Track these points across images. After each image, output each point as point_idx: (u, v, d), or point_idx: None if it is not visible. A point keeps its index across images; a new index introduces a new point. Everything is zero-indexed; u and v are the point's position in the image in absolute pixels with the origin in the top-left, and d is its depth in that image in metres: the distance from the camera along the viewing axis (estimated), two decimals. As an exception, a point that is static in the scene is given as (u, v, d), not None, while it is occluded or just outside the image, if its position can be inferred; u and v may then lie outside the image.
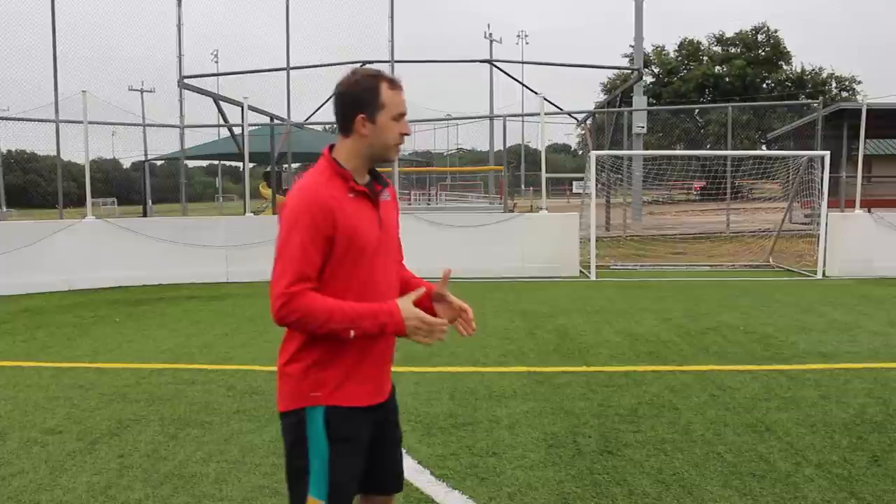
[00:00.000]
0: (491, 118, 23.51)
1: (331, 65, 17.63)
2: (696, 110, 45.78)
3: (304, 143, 20.95)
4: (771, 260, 13.42)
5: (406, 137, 2.09)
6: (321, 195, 1.93)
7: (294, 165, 23.32)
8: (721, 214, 19.94)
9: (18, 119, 13.35)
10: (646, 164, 19.67)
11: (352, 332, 1.92)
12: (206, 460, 3.84)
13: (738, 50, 49.40)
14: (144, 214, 21.14)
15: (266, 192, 20.34)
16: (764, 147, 39.62)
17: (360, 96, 1.98)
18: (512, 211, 17.38)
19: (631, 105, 23.71)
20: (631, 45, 36.19)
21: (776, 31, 49.66)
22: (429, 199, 31.48)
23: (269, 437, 4.16)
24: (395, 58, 14.82)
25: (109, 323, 8.02)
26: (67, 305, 9.31)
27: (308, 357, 2.00)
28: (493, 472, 3.64)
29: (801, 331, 7.06)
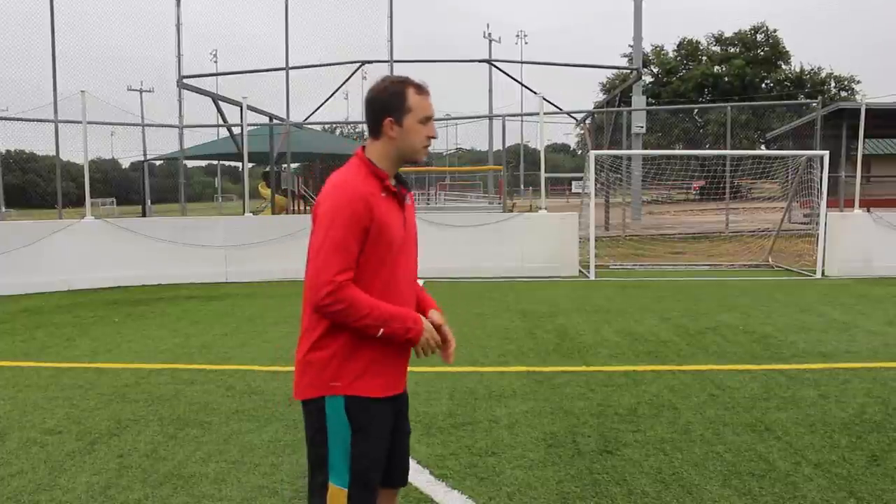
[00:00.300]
0: (490, 118, 23.52)
1: (330, 65, 17.64)
2: (696, 110, 45.81)
3: (303, 143, 20.95)
4: (770, 259, 13.42)
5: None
6: (360, 190, 2.05)
7: (293, 165, 23.33)
8: (720, 214, 19.95)
9: (17, 119, 13.35)
10: (645, 164, 19.69)
11: (381, 331, 2.04)
12: (205, 460, 3.84)
13: (737, 49, 49.39)
14: (143, 214, 21.13)
15: (265, 191, 20.36)
16: (763, 147, 39.66)
17: (388, 101, 2.10)
18: (511, 211, 17.38)
19: (630, 105, 23.72)
20: (630, 45, 36.19)
21: (775, 31, 49.68)
22: (428, 199, 31.48)
23: (269, 437, 4.16)
24: (394, 58, 14.83)
25: (108, 323, 8.02)
26: (66, 305, 9.30)
27: (331, 347, 2.08)
28: (492, 472, 3.64)
29: (800, 330, 7.07)
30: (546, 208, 12.21)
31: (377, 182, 2.10)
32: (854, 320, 7.58)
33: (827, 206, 12.02)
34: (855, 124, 12.56)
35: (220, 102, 16.02)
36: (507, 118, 18.07)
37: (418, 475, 3.58)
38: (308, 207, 22.80)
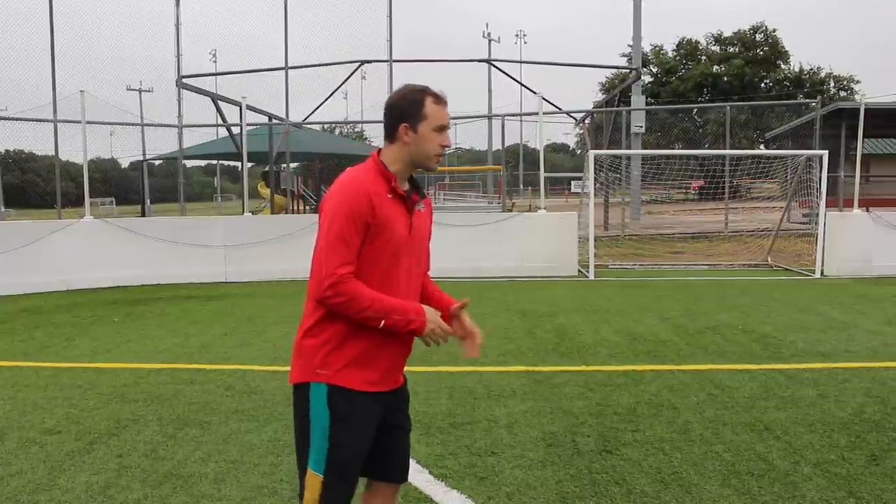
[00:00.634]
0: (489, 118, 23.49)
1: (329, 64, 17.64)
2: (695, 110, 45.79)
3: (302, 143, 20.92)
4: (769, 259, 13.43)
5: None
6: (364, 187, 2.11)
7: (293, 165, 23.32)
8: (719, 214, 19.94)
9: (17, 119, 13.33)
10: (644, 164, 19.68)
11: (382, 323, 2.09)
12: (204, 460, 3.84)
13: (737, 49, 49.37)
14: (143, 214, 21.11)
15: (264, 191, 20.33)
16: (762, 146, 39.63)
17: (406, 107, 2.18)
18: (510, 210, 17.38)
19: (629, 104, 23.72)
20: (629, 45, 36.19)
21: (774, 31, 49.64)
22: (427, 199, 31.35)
23: (268, 436, 4.16)
24: (394, 57, 14.83)
25: (108, 323, 8.01)
26: (66, 305, 9.30)
27: (321, 335, 2.14)
28: (491, 472, 3.64)
29: (799, 330, 7.07)
30: (545, 208, 12.21)
31: (385, 183, 2.16)
32: (853, 320, 7.58)
33: (826, 206, 12.02)
34: (854, 124, 12.56)
35: (220, 102, 16.02)
36: (506, 118, 18.05)
37: (418, 475, 3.58)
38: (307, 207, 22.81)
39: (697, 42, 50.84)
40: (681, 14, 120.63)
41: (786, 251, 14.37)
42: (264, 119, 17.40)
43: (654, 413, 4.52)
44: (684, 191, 31.81)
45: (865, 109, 12.24)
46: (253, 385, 5.27)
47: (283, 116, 16.37)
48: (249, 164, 16.78)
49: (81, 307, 9.11)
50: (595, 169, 12.98)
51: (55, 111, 12.82)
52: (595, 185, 13.37)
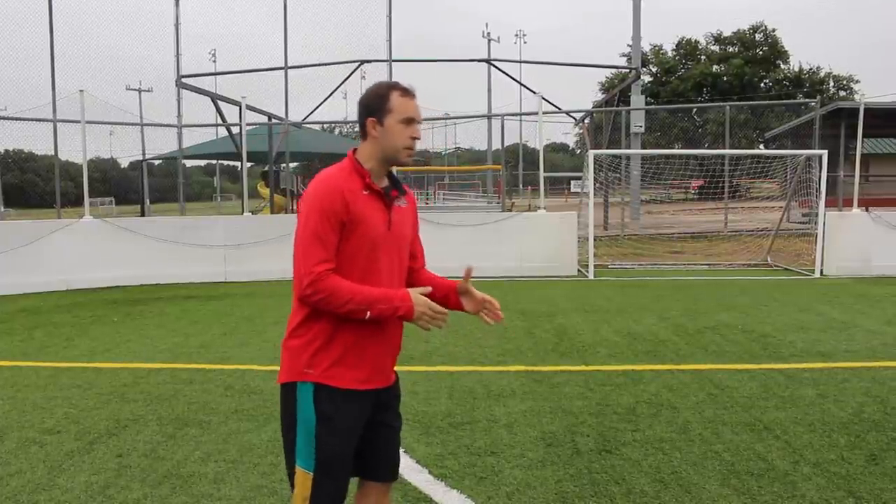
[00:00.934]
0: (489, 117, 23.49)
1: (328, 64, 17.64)
2: (694, 109, 45.79)
3: (302, 143, 20.91)
4: (769, 259, 13.43)
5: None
6: (337, 185, 2.13)
7: (292, 165, 23.31)
8: (719, 213, 19.94)
9: (16, 119, 13.33)
10: (644, 164, 19.67)
11: (368, 314, 2.09)
12: (204, 460, 3.84)
13: (736, 49, 49.38)
14: (142, 214, 21.09)
15: (264, 191, 20.31)
16: (762, 146, 39.64)
17: (372, 103, 2.20)
18: (510, 210, 17.37)
19: (629, 104, 23.71)
20: (629, 45, 36.21)
21: (774, 31, 49.65)
22: (427, 199, 31.47)
23: (268, 436, 4.16)
24: (393, 57, 14.83)
25: (107, 323, 8.01)
26: (65, 305, 9.29)
27: (306, 334, 2.16)
28: (491, 472, 3.64)
29: (798, 330, 7.07)
30: (545, 208, 12.22)
31: (359, 179, 2.18)
32: (853, 320, 7.58)
33: (825, 206, 12.03)
34: (853, 124, 12.57)
35: (219, 102, 16.01)
36: (505, 118, 18.05)
37: (417, 474, 3.58)
38: (307, 207, 22.74)
39: (697, 42, 50.86)
40: (680, 14, 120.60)
41: (785, 251, 14.38)
42: (264, 119, 17.40)
43: (653, 413, 4.53)
44: (684, 190, 31.82)
45: (865, 109, 12.24)
46: (252, 385, 5.27)
47: (283, 116, 16.38)
48: (249, 164, 16.77)
49: (81, 307, 9.11)
50: (595, 169, 12.98)
51: (55, 111, 12.82)
52: (595, 184, 13.37)
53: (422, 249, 2.46)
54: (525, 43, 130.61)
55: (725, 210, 18.90)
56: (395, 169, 2.35)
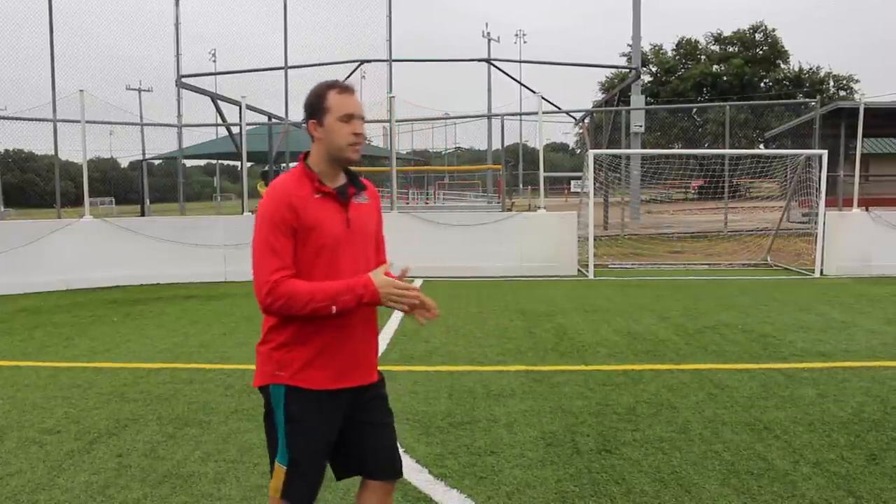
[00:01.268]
0: (489, 117, 23.50)
1: (328, 64, 17.64)
2: (694, 109, 45.84)
3: (301, 142, 20.89)
4: (769, 259, 13.43)
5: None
6: (286, 192, 2.14)
7: (292, 164, 23.31)
8: (719, 213, 19.93)
9: (16, 118, 13.34)
10: (644, 163, 19.68)
11: (333, 308, 2.09)
12: (204, 460, 3.84)
13: (736, 49, 49.42)
14: (142, 214, 21.11)
15: (264, 191, 20.36)
16: (762, 146, 39.65)
17: (311, 104, 2.21)
18: (510, 210, 17.38)
19: (629, 104, 23.71)
20: (629, 44, 36.22)
21: (774, 30, 49.73)
22: (427, 199, 31.45)
23: (268, 436, 4.15)
24: (393, 57, 14.84)
25: (107, 322, 8.01)
26: (65, 305, 9.29)
27: (275, 339, 2.19)
28: (491, 471, 3.64)
29: (798, 329, 7.07)
30: (545, 207, 12.21)
31: (309, 183, 2.18)
32: (853, 319, 7.59)
33: (825, 206, 12.03)
34: (853, 123, 12.56)
35: (219, 102, 16.03)
36: (505, 117, 18.09)
37: (417, 474, 3.59)
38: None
39: (697, 42, 50.91)
40: (680, 14, 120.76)
41: (785, 251, 14.38)
42: (264, 118, 17.42)
43: (653, 412, 4.53)
44: (684, 190, 31.80)
45: (865, 109, 12.23)
46: (252, 385, 5.26)
47: (283, 116, 16.39)
48: (249, 164, 16.79)
49: (81, 307, 9.11)
50: (594, 168, 12.98)
51: (55, 111, 12.83)
52: (594, 184, 13.37)
53: (381, 245, 2.44)
54: (525, 43, 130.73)
55: (725, 210, 18.90)
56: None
